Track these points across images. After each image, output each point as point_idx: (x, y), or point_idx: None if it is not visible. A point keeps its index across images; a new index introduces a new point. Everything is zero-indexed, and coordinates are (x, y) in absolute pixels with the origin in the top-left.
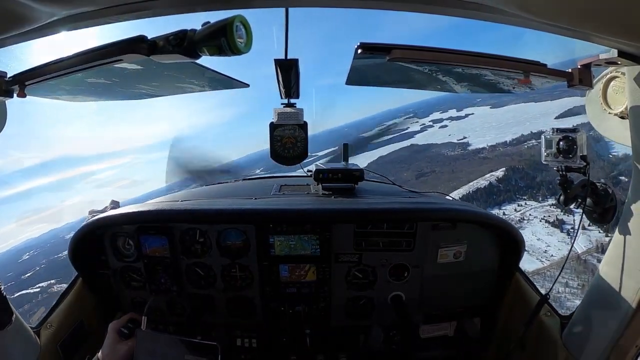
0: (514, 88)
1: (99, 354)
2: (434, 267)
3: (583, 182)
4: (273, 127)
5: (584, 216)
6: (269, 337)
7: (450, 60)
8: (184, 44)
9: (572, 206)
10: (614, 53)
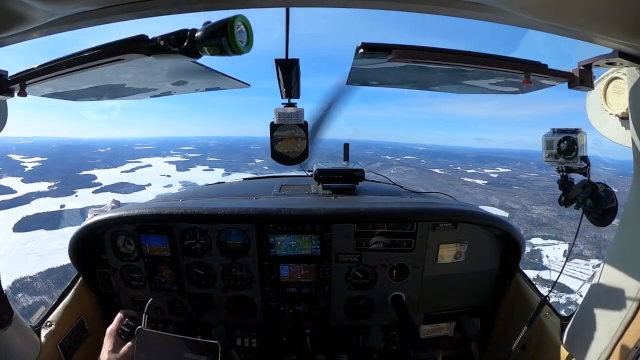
0: (514, 88)
1: (100, 358)
2: (434, 268)
3: (583, 183)
4: (273, 127)
5: (582, 218)
6: (269, 337)
7: (450, 60)
8: (185, 44)
9: (572, 207)
10: (614, 54)
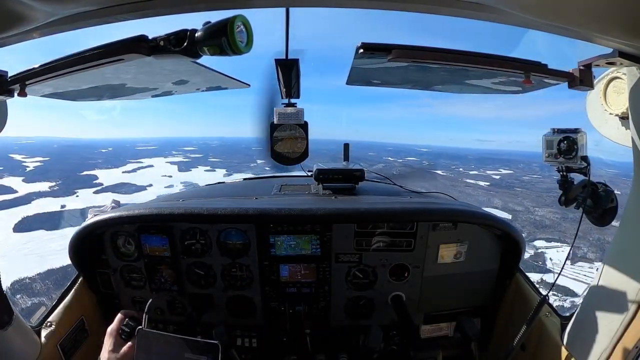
0: (514, 88)
1: (100, 358)
2: (434, 267)
3: (584, 183)
4: (273, 127)
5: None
6: (269, 337)
7: (451, 60)
8: (185, 44)
9: (572, 207)
10: (614, 54)
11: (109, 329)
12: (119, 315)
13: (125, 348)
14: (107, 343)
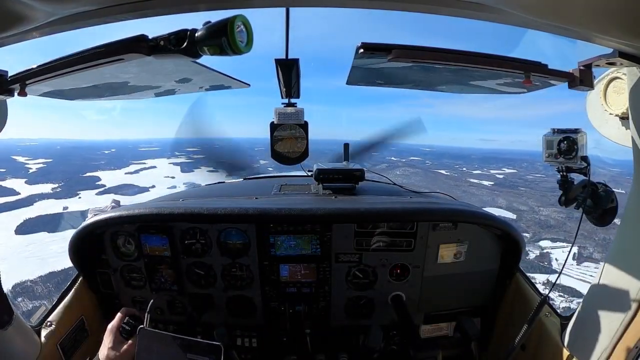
0: (518, 89)
1: (99, 354)
2: (434, 267)
3: (584, 183)
4: (273, 126)
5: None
6: (269, 337)
7: (450, 60)
8: (185, 44)
9: (572, 207)
10: (614, 54)
11: (110, 326)
12: (119, 313)
13: (125, 346)
14: (107, 340)
